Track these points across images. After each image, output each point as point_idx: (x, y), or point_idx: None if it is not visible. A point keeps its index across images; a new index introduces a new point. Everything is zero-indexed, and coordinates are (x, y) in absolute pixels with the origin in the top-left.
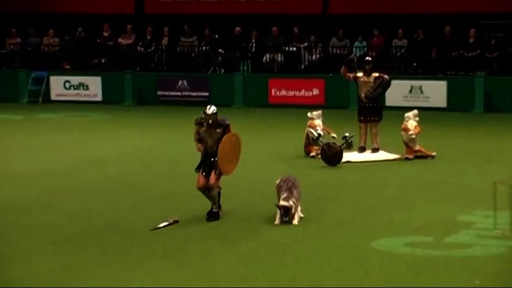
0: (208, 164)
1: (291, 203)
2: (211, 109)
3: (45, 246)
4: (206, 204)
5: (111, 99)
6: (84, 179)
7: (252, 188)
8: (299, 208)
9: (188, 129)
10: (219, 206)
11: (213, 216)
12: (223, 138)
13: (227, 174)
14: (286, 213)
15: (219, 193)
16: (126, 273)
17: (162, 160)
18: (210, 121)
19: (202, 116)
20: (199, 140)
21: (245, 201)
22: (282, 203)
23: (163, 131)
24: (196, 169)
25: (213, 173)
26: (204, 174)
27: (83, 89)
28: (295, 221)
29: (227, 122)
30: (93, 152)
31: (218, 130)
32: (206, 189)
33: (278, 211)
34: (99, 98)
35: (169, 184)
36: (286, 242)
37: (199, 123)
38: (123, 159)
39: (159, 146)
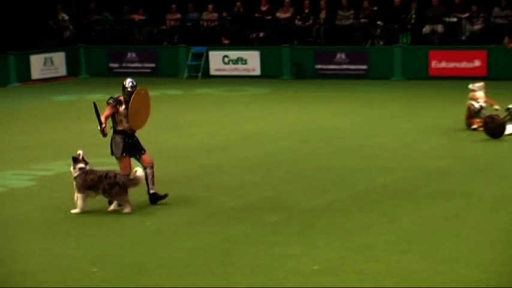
0: (130, 144)
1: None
2: (131, 82)
3: (201, 219)
4: (367, 177)
5: (269, 73)
6: (241, 155)
7: (412, 162)
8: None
9: (345, 103)
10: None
11: (156, 199)
12: (133, 95)
13: (137, 129)
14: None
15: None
16: (284, 246)
17: (319, 135)
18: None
19: (119, 96)
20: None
21: (407, 174)
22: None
23: (321, 105)
24: (121, 154)
25: (146, 152)
26: (130, 156)
27: (242, 63)
28: None
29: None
30: (250, 127)
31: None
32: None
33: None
34: (258, 72)
35: (327, 159)
36: (447, 216)
37: (117, 103)
38: (280, 134)
39: (316, 121)
